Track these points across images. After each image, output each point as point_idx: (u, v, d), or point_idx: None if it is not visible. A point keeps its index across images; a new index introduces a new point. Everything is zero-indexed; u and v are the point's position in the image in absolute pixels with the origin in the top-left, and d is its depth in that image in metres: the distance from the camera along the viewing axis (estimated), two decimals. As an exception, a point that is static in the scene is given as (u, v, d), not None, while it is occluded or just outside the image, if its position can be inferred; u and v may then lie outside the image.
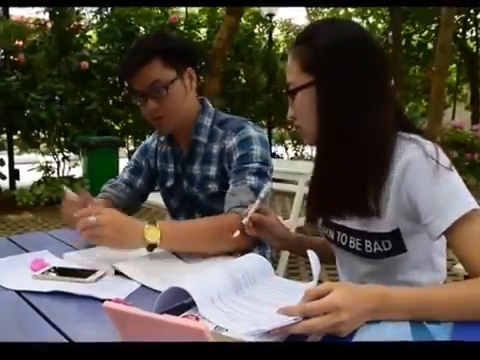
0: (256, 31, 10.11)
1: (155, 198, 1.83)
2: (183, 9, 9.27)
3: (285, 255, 3.42)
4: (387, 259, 1.07)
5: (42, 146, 7.24)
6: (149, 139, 1.73)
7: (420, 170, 0.96)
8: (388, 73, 1.12)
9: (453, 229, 0.92)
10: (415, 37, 13.64)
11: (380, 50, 1.11)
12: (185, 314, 0.83)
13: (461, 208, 0.92)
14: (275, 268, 1.62)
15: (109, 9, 7.77)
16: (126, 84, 1.50)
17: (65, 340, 0.80)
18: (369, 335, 0.78)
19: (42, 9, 6.80)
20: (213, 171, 1.51)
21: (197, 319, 0.80)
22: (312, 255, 0.91)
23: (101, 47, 7.42)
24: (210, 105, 1.59)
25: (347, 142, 1.02)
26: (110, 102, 7.41)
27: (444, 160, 0.96)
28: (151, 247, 1.18)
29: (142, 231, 1.16)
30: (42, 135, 6.99)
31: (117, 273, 1.12)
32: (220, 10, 9.41)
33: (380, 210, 1.02)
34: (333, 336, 0.77)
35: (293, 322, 0.75)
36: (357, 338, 0.77)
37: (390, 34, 11.91)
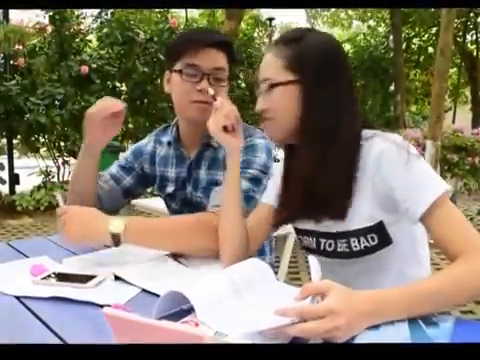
0: (255, 35, 10.14)
1: (155, 203, 1.82)
2: (183, 13, 9.31)
3: (285, 260, 3.40)
4: (375, 255, 1.08)
5: (42, 150, 7.24)
6: (144, 141, 1.68)
7: (393, 159, 1.01)
8: (352, 76, 1.19)
9: (430, 212, 0.96)
10: (416, 40, 13.67)
11: (347, 56, 1.20)
12: (185, 320, 0.82)
13: (437, 189, 0.97)
14: (275, 273, 1.62)
15: (109, 13, 7.79)
16: (180, 55, 1.41)
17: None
18: (368, 339, 0.78)
19: (42, 13, 6.83)
20: (221, 176, 1.47)
21: (197, 325, 0.79)
22: (312, 260, 0.91)
23: (101, 51, 7.43)
24: None
25: (329, 140, 1.05)
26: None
27: (412, 149, 1.02)
28: (116, 240, 1.17)
29: (106, 222, 1.17)
30: (42, 139, 6.98)
31: (117, 278, 1.11)
32: (220, 13, 9.44)
33: (356, 205, 1.05)
34: (330, 341, 0.77)
35: (289, 323, 0.74)
36: (357, 341, 0.77)
37: (391, 37, 11.93)
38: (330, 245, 1.13)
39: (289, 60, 1.08)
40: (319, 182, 1.05)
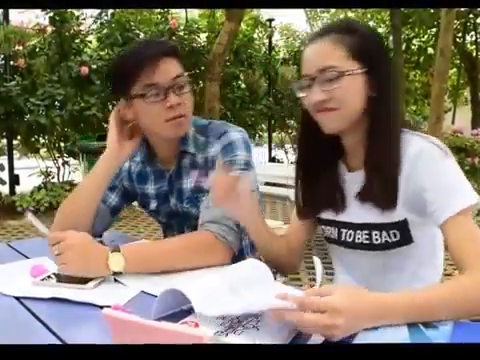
0: (255, 36, 10.14)
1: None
2: (183, 14, 9.31)
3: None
4: (394, 250, 1.09)
5: (42, 151, 7.25)
6: None
7: (430, 159, 1.01)
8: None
9: (454, 219, 0.96)
10: (415, 41, 13.66)
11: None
12: (184, 320, 0.82)
13: (466, 199, 0.97)
14: (275, 274, 1.62)
15: (109, 14, 7.80)
16: (136, 78, 1.30)
17: (64, 347, 0.79)
18: (367, 340, 0.78)
19: (42, 14, 6.83)
20: (204, 181, 1.38)
21: (196, 326, 0.80)
22: (317, 261, 0.91)
23: (101, 52, 7.44)
24: None
25: (395, 130, 1.07)
26: (110, 107, 7.41)
27: (448, 150, 1.03)
28: (116, 274, 1.13)
29: (106, 258, 1.12)
30: (42, 140, 6.99)
31: (116, 279, 1.12)
32: (220, 14, 9.45)
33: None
34: (326, 338, 0.77)
35: (287, 305, 0.75)
36: (356, 342, 0.77)
37: (390, 38, 11.93)
38: (350, 235, 1.15)
39: (353, 49, 1.05)
40: (376, 169, 1.06)
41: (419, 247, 1.10)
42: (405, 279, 1.12)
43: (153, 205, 1.53)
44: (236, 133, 1.40)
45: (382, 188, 1.05)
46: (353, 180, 1.14)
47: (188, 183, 1.44)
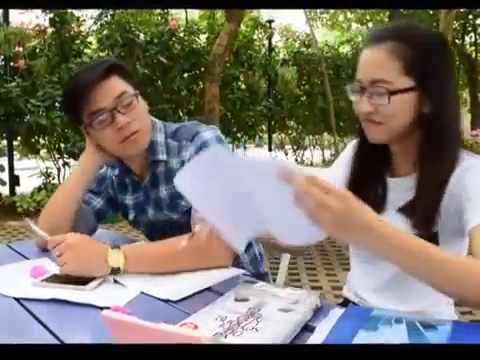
0: (255, 37, 10.14)
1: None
2: (183, 15, 9.32)
3: (285, 261, 3.41)
4: None
5: (42, 152, 7.25)
6: (105, 168, 1.57)
7: (478, 174, 0.99)
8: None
9: None
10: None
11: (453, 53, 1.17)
12: (183, 322, 0.83)
13: None
14: (275, 274, 1.63)
15: (109, 15, 7.80)
16: (80, 108, 1.31)
17: (64, 348, 0.80)
18: (367, 340, 0.78)
19: (42, 15, 6.83)
20: None
21: (195, 327, 0.80)
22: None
23: (101, 53, 7.45)
24: (156, 119, 1.47)
25: (448, 150, 1.03)
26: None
27: None
28: (115, 272, 1.13)
29: (105, 255, 1.12)
30: (42, 141, 6.99)
31: (116, 280, 1.12)
32: (220, 16, 9.46)
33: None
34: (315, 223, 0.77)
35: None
36: (355, 342, 0.77)
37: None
38: None
39: (408, 62, 0.99)
40: (426, 190, 1.03)
41: None
42: (421, 287, 1.09)
43: (131, 215, 1.53)
44: (208, 132, 1.39)
45: (424, 209, 1.03)
46: (395, 187, 1.13)
47: (165, 190, 1.43)
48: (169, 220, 1.44)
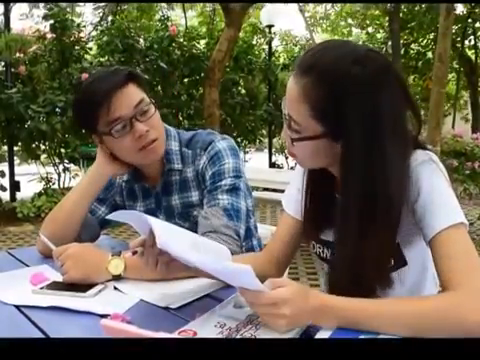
0: (255, 42, 10.17)
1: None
2: (183, 21, 9.36)
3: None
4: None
5: (43, 157, 7.26)
6: None
7: (426, 170, 0.95)
8: (407, 98, 0.97)
9: (442, 234, 0.90)
10: (414, 46, 13.70)
11: (401, 77, 0.98)
12: (182, 329, 0.83)
13: (455, 216, 0.91)
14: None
15: (109, 21, 7.83)
16: (98, 117, 1.28)
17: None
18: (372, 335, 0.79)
19: (42, 21, 6.86)
20: (195, 196, 1.42)
21: (194, 334, 0.80)
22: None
23: (101, 59, 7.47)
24: (170, 127, 1.46)
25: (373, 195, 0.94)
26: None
27: (444, 169, 0.98)
28: (116, 278, 1.15)
29: (105, 262, 1.14)
30: (43, 147, 7.00)
31: (116, 287, 1.12)
32: (219, 21, 9.49)
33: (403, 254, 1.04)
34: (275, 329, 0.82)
35: (244, 272, 0.77)
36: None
37: (389, 43, 11.97)
38: None
39: (317, 107, 0.91)
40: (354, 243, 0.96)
41: (412, 267, 1.06)
42: (404, 294, 1.09)
43: None
44: (222, 142, 1.40)
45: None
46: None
47: (178, 199, 1.44)
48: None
